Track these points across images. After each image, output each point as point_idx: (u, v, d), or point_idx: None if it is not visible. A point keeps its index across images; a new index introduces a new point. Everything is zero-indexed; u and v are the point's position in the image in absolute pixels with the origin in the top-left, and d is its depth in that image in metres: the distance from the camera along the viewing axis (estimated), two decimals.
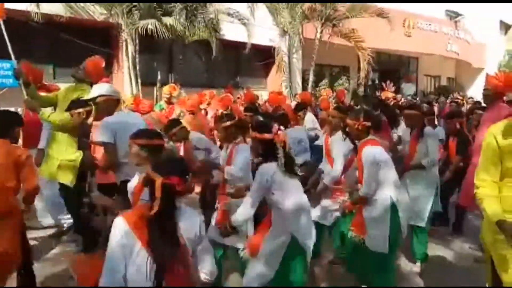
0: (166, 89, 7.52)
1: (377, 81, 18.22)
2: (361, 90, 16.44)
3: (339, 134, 3.82)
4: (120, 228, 1.77)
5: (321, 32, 12.76)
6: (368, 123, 3.19)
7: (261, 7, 11.90)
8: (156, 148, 2.60)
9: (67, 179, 4.08)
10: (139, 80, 9.38)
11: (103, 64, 4.66)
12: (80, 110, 3.98)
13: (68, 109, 4.05)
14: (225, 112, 7.16)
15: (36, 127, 4.69)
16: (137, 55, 9.21)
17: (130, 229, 1.75)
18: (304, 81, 14.13)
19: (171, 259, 1.75)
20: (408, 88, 19.68)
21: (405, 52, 18.86)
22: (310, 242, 2.85)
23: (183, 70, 11.19)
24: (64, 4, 8.32)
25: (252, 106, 6.63)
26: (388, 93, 10.67)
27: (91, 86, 4.34)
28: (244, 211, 2.88)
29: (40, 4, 7.86)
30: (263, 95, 12.14)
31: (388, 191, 3.12)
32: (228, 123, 3.58)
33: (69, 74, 7.36)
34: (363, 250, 3.16)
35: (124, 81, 9.59)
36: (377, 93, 13.22)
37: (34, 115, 4.50)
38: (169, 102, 7.34)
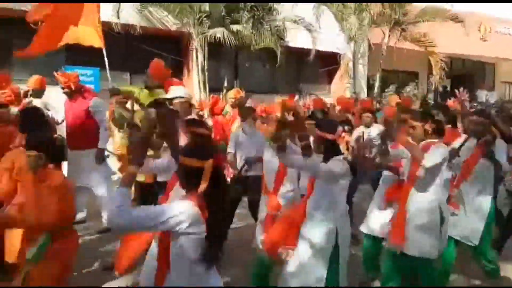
0: (231, 93, 7.78)
1: (449, 88, 17.28)
2: (430, 97, 15.69)
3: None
4: (188, 210, 1.87)
5: (389, 36, 12.41)
6: (433, 126, 3.20)
7: (327, 14, 11.85)
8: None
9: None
10: (207, 86, 9.77)
11: (163, 64, 4.96)
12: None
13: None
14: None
15: (94, 128, 4.99)
16: (205, 63, 9.60)
17: (194, 205, 1.87)
18: (369, 87, 13.81)
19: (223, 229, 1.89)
20: (491, 96, 18.36)
21: (480, 58, 17.66)
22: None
23: (248, 76, 11.47)
24: (141, 14, 8.94)
25: (320, 113, 6.64)
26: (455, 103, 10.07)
27: (162, 89, 4.74)
28: None
29: (120, 14, 8.50)
30: (327, 101, 12.08)
31: (437, 195, 3.08)
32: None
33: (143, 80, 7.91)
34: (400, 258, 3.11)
35: (193, 87, 10.04)
36: (448, 100, 12.54)
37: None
38: (234, 106, 7.60)
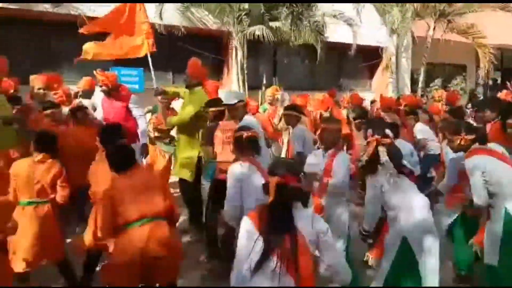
0: (269, 91, 7.84)
1: (499, 81, 16.39)
2: (479, 90, 14.96)
3: None
4: (244, 226, 1.98)
5: (434, 29, 11.95)
6: (471, 137, 3.11)
7: (368, 7, 11.59)
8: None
9: (186, 175, 4.56)
10: (246, 84, 9.85)
11: (200, 63, 5.08)
12: (212, 109, 4.32)
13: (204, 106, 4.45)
14: (325, 114, 7.21)
15: (133, 125, 5.16)
16: (244, 61, 9.68)
17: (252, 223, 1.95)
18: (413, 81, 13.37)
19: (278, 246, 1.88)
20: None
21: None
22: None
23: (287, 73, 11.44)
24: (183, 15, 9.15)
25: (362, 113, 6.53)
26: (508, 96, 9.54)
27: (201, 87, 4.87)
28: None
29: (162, 16, 8.74)
30: (367, 97, 11.84)
31: (504, 202, 2.94)
32: (335, 126, 3.56)
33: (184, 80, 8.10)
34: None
35: (232, 85, 10.16)
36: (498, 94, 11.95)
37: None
38: (272, 103, 7.65)
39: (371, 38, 11.97)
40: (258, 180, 2.84)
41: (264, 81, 10.66)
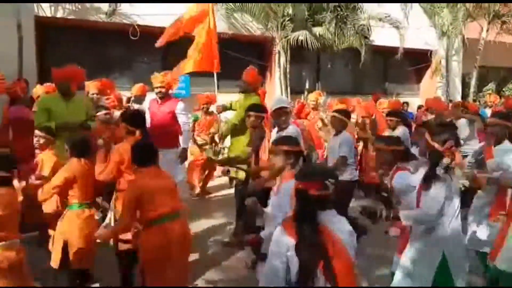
0: (312, 96, 7.84)
1: None
2: None
3: (506, 144, 3.51)
4: (276, 235, 1.98)
5: (488, 30, 11.41)
6: None
7: (416, 9, 11.28)
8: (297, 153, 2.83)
9: (242, 176, 4.70)
10: (289, 89, 9.91)
11: (257, 72, 5.23)
12: (254, 114, 4.35)
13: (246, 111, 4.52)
14: (367, 118, 7.09)
15: (177, 129, 5.31)
16: (287, 66, 9.74)
17: (284, 231, 1.94)
18: (465, 85, 12.81)
19: (314, 257, 1.86)
20: None
21: None
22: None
23: (330, 77, 11.37)
24: (227, 21, 9.39)
25: (396, 113, 6.42)
26: None
27: (255, 93, 5.00)
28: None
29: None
30: (415, 102, 11.50)
31: None
32: (393, 147, 3.27)
33: (230, 85, 8.28)
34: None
35: (275, 90, 10.26)
36: None
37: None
38: (315, 108, 7.65)
39: (419, 41, 11.64)
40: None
41: (307, 86, 10.67)
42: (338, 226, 1.96)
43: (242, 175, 4.70)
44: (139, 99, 6.40)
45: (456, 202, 2.65)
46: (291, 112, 4.73)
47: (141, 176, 3.07)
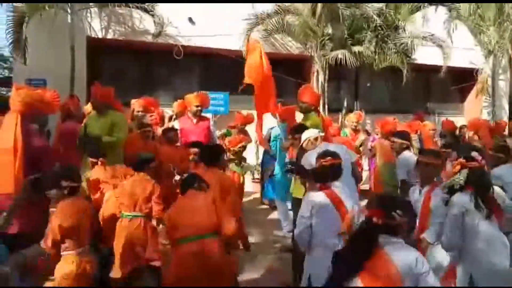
0: (353, 117, 7.80)
1: None
2: None
3: None
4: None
5: None
6: None
7: (460, 27, 11.03)
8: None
9: (299, 193, 4.69)
10: (327, 107, 9.91)
11: (313, 89, 5.20)
12: (298, 135, 4.35)
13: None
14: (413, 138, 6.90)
15: None
16: (326, 84, 9.76)
17: None
18: None
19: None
20: None
21: None
22: None
23: (369, 96, 11.25)
24: (267, 41, 9.57)
25: (453, 141, 6.20)
26: None
27: (316, 111, 5.03)
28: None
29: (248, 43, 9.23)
30: (459, 122, 11.12)
31: None
32: (435, 161, 3.29)
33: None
34: None
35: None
36: None
37: None
38: (356, 130, 7.62)
39: (463, 60, 11.33)
40: (330, 212, 2.89)
41: (345, 104, 10.62)
42: (400, 255, 1.97)
43: (299, 192, 4.64)
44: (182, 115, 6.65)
45: (483, 225, 2.60)
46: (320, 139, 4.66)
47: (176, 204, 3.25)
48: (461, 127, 9.94)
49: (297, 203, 4.68)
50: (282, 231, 5.78)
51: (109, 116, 4.78)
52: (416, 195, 3.36)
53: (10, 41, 7.85)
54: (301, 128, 4.38)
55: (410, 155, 4.72)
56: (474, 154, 2.90)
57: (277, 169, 5.91)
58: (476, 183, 2.73)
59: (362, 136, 7.81)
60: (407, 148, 4.89)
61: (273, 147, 6.59)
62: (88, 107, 6.21)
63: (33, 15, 7.62)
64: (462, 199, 2.71)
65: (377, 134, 7.58)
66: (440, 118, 11.85)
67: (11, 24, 7.79)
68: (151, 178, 3.78)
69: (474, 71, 11.77)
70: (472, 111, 12.03)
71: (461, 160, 2.81)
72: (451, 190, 2.80)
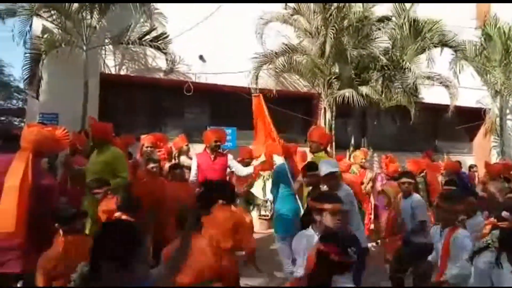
0: (360, 154, 7.84)
1: None
2: None
3: None
4: None
5: None
6: None
7: (466, 68, 11.19)
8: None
9: None
10: (333, 144, 9.94)
11: (323, 130, 5.26)
12: (310, 173, 4.40)
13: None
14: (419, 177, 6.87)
15: None
16: (333, 121, 9.85)
17: None
18: None
19: None
20: None
21: None
22: None
23: (377, 134, 11.29)
24: (275, 79, 9.79)
25: (455, 181, 6.14)
26: None
27: (325, 151, 5.06)
28: None
29: (258, 81, 9.42)
30: (467, 161, 11.05)
31: None
32: (455, 207, 3.22)
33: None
34: None
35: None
36: None
37: None
38: (363, 166, 7.65)
39: (471, 99, 11.43)
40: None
41: (353, 142, 10.65)
42: None
43: None
44: (184, 150, 6.74)
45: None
46: (341, 175, 4.65)
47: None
48: (471, 167, 9.90)
49: None
50: (283, 272, 5.64)
51: (109, 152, 4.69)
52: (437, 236, 3.33)
53: (26, 76, 8.10)
54: (314, 166, 4.37)
55: (420, 196, 4.74)
56: (505, 214, 2.84)
57: (277, 205, 5.67)
58: (509, 245, 2.58)
59: (369, 174, 7.82)
60: (416, 188, 4.90)
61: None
62: None
63: (50, 51, 7.91)
64: (490, 256, 2.65)
65: (384, 174, 7.61)
66: (449, 157, 11.83)
67: (28, 61, 8.08)
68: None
69: (482, 110, 11.82)
70: (481, 150, 11.99)
71: (492, 220, 2.77)
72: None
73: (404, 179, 4.77)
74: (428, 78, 10.46)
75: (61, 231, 3.00)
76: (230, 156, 5.79)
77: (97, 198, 3.90)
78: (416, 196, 4.67)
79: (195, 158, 5.74)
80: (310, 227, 2.90)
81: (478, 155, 12.19)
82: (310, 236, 2.80)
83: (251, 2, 9.40)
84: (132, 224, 2.53)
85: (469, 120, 12.09)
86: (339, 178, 4.23)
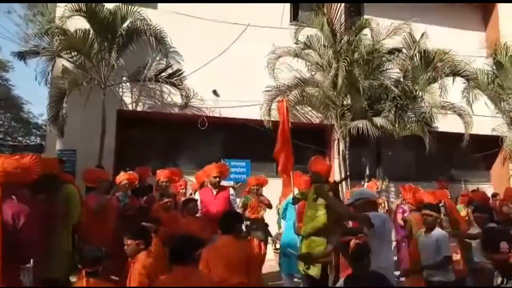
0: (371, 185, 7.81)
1: None
2: None
3: None
4: None
5: None
6: None
7: (480, 96, 11.15)
8: None
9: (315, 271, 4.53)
10: (347, 173, 9.89)
11: (323, 160, 5.30)
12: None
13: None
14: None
15: None
16: (346, 152, 9.85)
17: None
18: None
19: None
20: None
21: None
22: None
23: (392, 164, 11.19)
24: (290, 113, 9.89)
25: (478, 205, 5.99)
26: None
27: (326, 182, 4.96)
28: None
29: (271, 113, 9.54)
30: (485, 190, 10.81)
31: None
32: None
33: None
34: None
35: (334, 176, 10.28)
36: None
37: None
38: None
39: (486, 127, 11.32)
40: None
41: (367, 172, 10.58)
42: None
43: (317, 271, 4.44)
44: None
45: None
46: (376, 202, 4.61)
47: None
48: (493, 195, 9.64)
49: (309, 282, 4.59)
50: None
51: (67, 191, 4.48)
52: None
53: (50, 115, 8.32)
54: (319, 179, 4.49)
55: (444, 232, 4.62)
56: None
57: (284, 240, 5.57)
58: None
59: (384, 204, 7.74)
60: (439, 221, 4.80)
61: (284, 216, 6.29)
62: (119, 177, 6.24)
63: (72, 90, 8.21)
64: None
65: (405, 204, 7.43)
66: (467, 186, 11.60)
67: (54, 99, 8.33)
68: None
69: (498, 138, 11.67)
70: (500, 178, 11.74)
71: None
72: None
73: (427, 211, 4.66)
74: (442, 107, 10.43)
75: (83, 273, 2.98)
76: (231, 191, 5.89)
77: None
78: (439, 230, 4.56)
79: (198, 194, 5.91)
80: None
81: (496, 184, 11.93)
82: None
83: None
84: None
85: (486, 148, 11.92)
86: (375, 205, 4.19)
